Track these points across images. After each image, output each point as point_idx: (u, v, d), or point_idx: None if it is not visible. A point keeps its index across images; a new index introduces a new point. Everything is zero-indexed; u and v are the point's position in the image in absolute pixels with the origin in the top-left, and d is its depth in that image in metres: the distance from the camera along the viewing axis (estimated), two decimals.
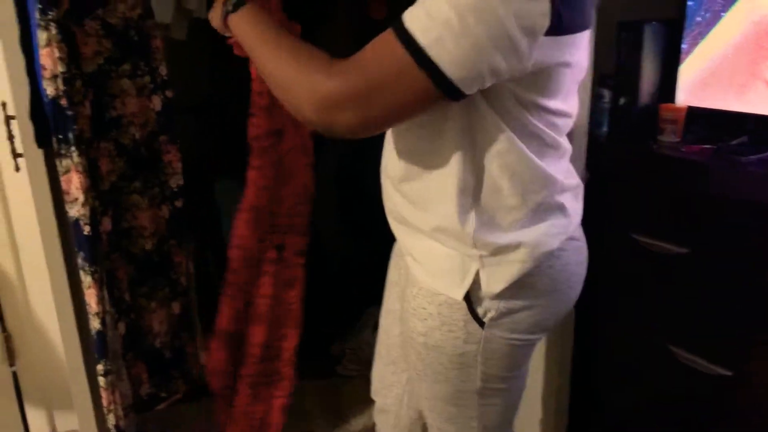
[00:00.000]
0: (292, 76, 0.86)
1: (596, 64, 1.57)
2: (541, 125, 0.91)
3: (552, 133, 0.93)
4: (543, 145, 0.93)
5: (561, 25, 0.82)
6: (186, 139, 1.49)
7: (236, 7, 0.98)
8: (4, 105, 1.30)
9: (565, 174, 1.01)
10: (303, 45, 0.89)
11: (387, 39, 0.81)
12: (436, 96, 0.81)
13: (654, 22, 1.62)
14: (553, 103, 0.91)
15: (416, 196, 0.98)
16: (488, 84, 0.83)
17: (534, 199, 0.95)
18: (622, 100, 1.64)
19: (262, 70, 0.92)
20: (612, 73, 1.64)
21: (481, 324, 0.97)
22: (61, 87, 1.22)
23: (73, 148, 1.24)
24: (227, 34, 1.06)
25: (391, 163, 1.02)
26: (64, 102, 1.23)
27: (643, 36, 1.61)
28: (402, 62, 0.79)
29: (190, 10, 1.34)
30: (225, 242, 1.89)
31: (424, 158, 0.95)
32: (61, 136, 1.25)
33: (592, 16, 0.92)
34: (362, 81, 0.81)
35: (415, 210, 0.99)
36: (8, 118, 1.31)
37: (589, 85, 1.60)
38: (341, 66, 0.83)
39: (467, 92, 0.81)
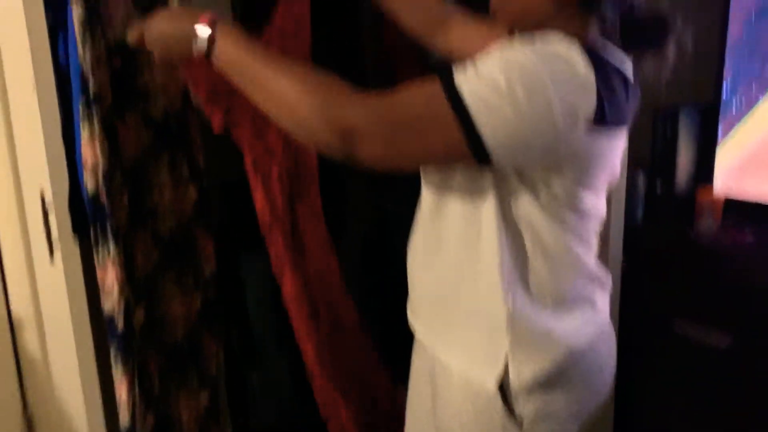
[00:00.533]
0: (305, 98, 0.80)
1: (631, 148, 1.56)
2: (574, 220, 0.91)
3: (582, 230, 0.93)
4: (574, 236, 0.93)
5: (603, 118, 0.82)
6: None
7: (211, 41, 0.86)
8: (42, 194, 1.30)
9: (595, 266, 1.00)
10: (311, 67, 0.84)
11: (430, 83, 0.81)
12: (464, 153, 0.80)
13: (689, 108, 1.62)
14: (586, 200, 0.91)
15: (450, 272, 0.96)
16: (519, 160, 0.83)
17: (565, 282, 0.94)
18: (658, 186, 1.63)
19: (261, 94, 0.84)
20: (646, 157, 1.63)
21: (520, 425, 0.94)
22: (101, 181, 1.21)
23: (110, 241, 1.23)
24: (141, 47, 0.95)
25: (423, 237, 1.01)
26: (103, 195, 1.22)
27: (678, 121, 1.60)
28: (440, 108, 0.79)
29: None
30: (251, 324, 1.87)
31: (460, 231, 0.94)
32: (99, 229, 1.24)
33: (631, 116, 0.93)
34: (394, 115, 0.80)
35: (448, 288, 0.97)
36: (46, 208, 1.30)
37: (624, 169, 1.59)
38: (373, 97, 0.82)
39: (495, 160, 0.81)
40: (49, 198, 1.29)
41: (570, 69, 0.80)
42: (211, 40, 0.87)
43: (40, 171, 1.27)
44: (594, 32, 0.88)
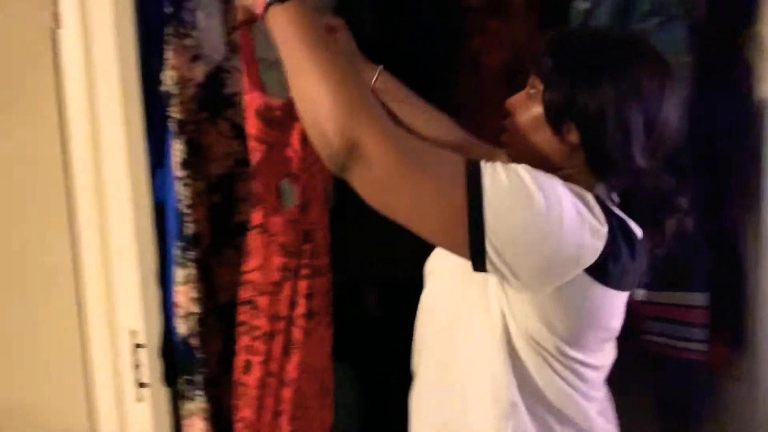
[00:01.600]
0: (331, 94, 0.77)
1: None
2: (567, 373, 0.87)
3: (578, 382, 0.88)
4: (572, 387, 0.88)
5: (605, 272, 0.79)
6: None
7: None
8: (133, 333, 1.24)
9: (596, 417, 0.92)
10: (355, 71, 0.86)
11: (456, 157, 0.80)
12: (457, 230, 0.77)
13: None
14: (576, 354, 0.86)
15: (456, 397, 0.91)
16: (506, 268, 0.77)
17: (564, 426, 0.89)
18: None
19: (296, 75, 0.81)
20: None
21: None
22: (194, 327, 1.14)
23: (198, 392, 1.15)
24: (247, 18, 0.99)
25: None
26: (194, 342, 1.15)
27: None
28: (455, 172, 0.77)
29: None
30: None
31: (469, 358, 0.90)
32: (188, 378, 1.16)
33: (636, 277, 0.89)
34: (408, 153, 0.78)
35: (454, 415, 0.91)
36: (136, 347, 1.24)
37: None
38: (398, 129, 0.81)
39: (487, 251, 0.76)
40: (142, 339, 1.24)
41: (587, 209, 0.79)
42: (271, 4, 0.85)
43: (133, 313, 1.22)
44: (599, 194, 0.87)
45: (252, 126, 1.12)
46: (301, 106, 0.81)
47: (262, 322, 1.16)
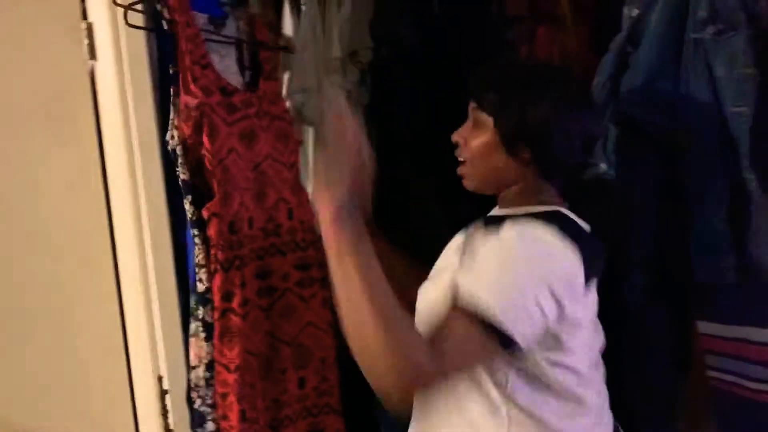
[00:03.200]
0: (391, 346, 0.78)
1: None
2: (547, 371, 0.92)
3: (563, 382, 0.93)
4: (548, 391, 0.93)
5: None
6: None
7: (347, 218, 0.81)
8: (160, 379, 1.23)
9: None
10: (400, 309, 0.82)
11: (469, 325, 0.83)
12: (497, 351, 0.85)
13: None
14: (554, 373, 0.92)
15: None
16: (531, 337, 0.87)
17: None
18: None
19: (350, 316, 0.81)
20: None
21: None
22: (194, 379, 1.13)
23: None
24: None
25: None
26: (193, 394, 1.16)
27: None
28: (483, 343, 0.83)
29: None
30: None
31: None
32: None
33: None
34: (454, 367, 0.85)
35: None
36: (163, 393, 1.23)
37: None
38: (439, 350, 0.82)
39: (522, 344, 0.85)
40: (166, 385, 1.22)
41: (564, 252, 0.89)
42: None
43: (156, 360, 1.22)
44: (551, 196, 1.00)
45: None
46: (358, 351, 0.81)
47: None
